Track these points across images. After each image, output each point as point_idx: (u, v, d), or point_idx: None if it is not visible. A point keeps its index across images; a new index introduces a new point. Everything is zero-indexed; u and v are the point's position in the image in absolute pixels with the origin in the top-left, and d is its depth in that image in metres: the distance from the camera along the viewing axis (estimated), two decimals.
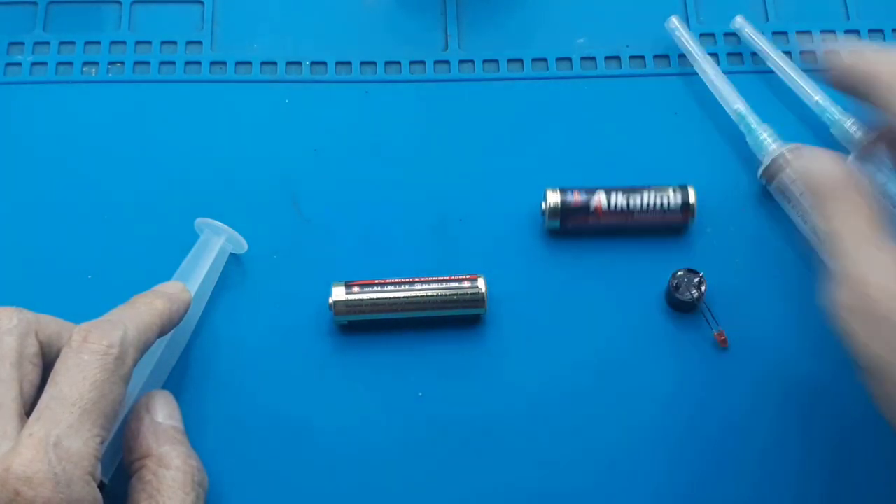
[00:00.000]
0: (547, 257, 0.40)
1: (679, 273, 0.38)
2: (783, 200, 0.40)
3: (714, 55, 0.44)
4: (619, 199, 0.39)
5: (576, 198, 0.38)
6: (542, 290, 0.39)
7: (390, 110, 0.43)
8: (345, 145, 0.43)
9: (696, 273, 0.38)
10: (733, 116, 0.42)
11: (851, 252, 0.29)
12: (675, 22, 0.44)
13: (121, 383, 0.30)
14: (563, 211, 0.39)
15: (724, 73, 0.43)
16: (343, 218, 0.41)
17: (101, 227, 0.40)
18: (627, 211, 0.39)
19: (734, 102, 0.42)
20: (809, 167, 0.32)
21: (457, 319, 0.38)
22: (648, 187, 0.39)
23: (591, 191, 0.39)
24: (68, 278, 0.39)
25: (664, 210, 0.39)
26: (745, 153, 0.42)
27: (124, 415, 0.33)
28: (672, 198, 0.39)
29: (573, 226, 0.39)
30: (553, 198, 0.39)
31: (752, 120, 0.41)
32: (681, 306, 0.38)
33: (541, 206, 0.40)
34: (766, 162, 0.40)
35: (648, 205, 0.39)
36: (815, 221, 0.32)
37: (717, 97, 0.42)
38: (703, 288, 0.38)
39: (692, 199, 0.39)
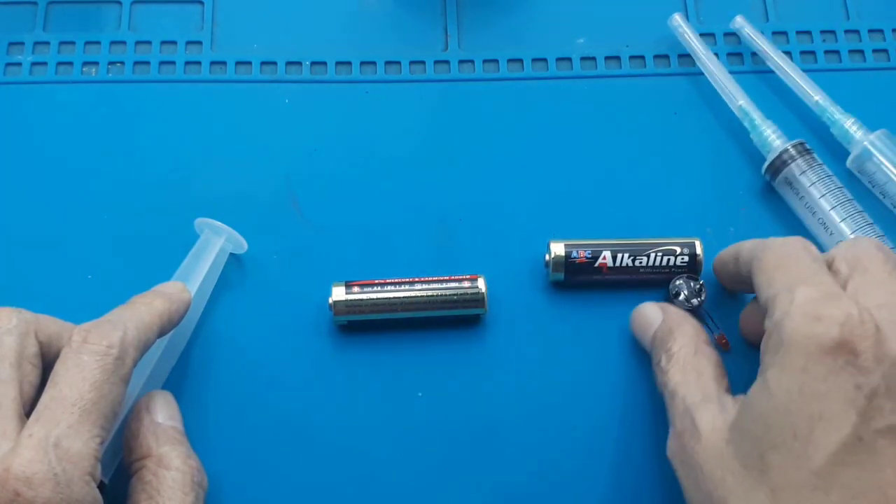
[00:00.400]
0: None
1: (678, 281, 0.38)
2: (788, 194, 0.40)
3: (714, 55, 0.44)
4: (625, 260, 0.38)
5: (580, 255, 0.38)
6: (541, 290, 0.39)
7: (390, 110, 0.43)
8: (345, 145, 0.43)
9: (696, 279, 0.38)
10: (737, 113, 0.42)
11: (681, 405, 0.32)
12: (678, 19, 0.44)
13: (120, 384, 0.30)
14: (567, 267, 0.38)
15: None
16: (343, 218, 0.41)
17: (101, 227, 0.40)
18: (633, 268, 0.38)
19: (738, 99, 0.42)
20: (640, 320, 0.36)
21: (457, 319, 0.38)
22: (655, 247, 0.38)
23: (598, 250, 0.38)
24: (68, 278, 0.39)
25: (670, 268, 0.38)
26: (745, 153, 0.42)
27: (124, 415, 0.33)
28: (679, 257, 0.38)
29: (578, 280, 0.39)
30: (557, 251, 0.38)
31: (756, 116, 0.41)
32: None
33: (544, 257, 0.39)
34: (770, 157, 0.40)
35: (655, 265, 0.38)
36: (654, 374, 0.35)
37: (721, 94, 0.42)
38: (703, 295, 0.37)
39: (699, 251, 0.38)
